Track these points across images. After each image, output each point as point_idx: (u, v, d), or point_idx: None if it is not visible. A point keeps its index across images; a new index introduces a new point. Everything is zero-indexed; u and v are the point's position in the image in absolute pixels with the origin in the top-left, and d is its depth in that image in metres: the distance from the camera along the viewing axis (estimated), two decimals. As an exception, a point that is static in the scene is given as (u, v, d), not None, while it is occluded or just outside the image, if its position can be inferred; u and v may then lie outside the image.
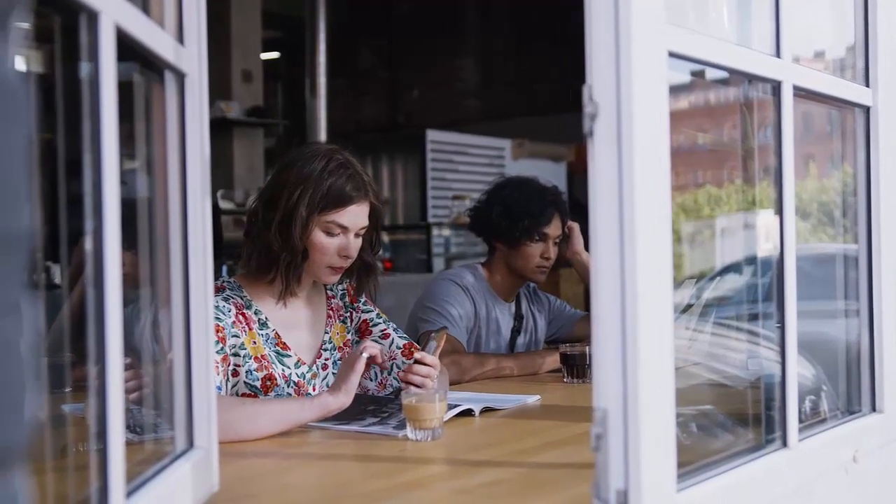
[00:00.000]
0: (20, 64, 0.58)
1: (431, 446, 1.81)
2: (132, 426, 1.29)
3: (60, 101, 1.01)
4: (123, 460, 0.98)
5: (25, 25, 0.61)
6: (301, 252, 2.15)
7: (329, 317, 2.34)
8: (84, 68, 0.95)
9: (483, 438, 1.97)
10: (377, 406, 2.15)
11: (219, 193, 6.77)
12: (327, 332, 2.32)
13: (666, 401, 1.18)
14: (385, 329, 2.36)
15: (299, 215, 2.12)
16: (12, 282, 0.52)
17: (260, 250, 2.17)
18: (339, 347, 2.33)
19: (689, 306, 1.94)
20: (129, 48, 1.07)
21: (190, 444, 1.33)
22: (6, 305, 0.51)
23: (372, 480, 1.61)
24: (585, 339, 2.91)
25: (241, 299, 2.19)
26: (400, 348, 2.33)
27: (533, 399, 2.32)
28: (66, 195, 1.00)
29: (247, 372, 2.13)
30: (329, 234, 2.16)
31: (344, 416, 2.01)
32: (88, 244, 0.95)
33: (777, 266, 1.49)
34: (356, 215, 2.18)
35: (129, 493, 1.05)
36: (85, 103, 0.95)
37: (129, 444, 1.04)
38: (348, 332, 2.36)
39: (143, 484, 1.13)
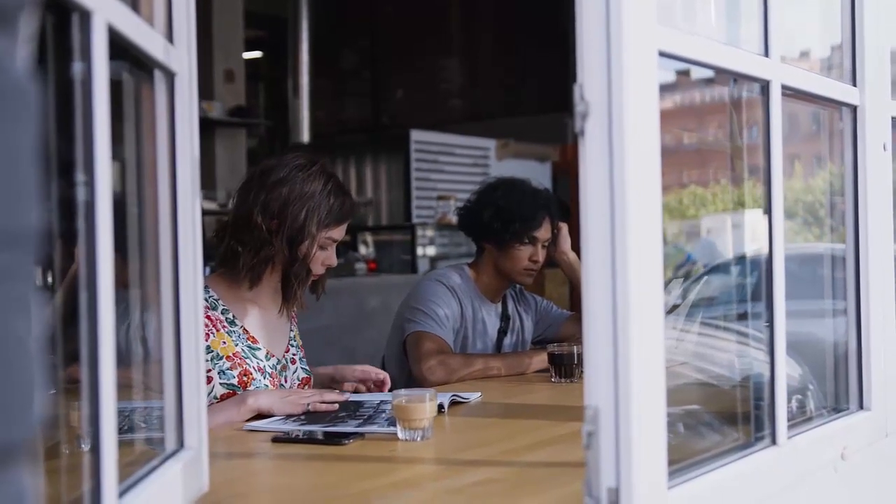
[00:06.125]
0: (28, 64, 0.58)
1: (421, 446, 1.81)
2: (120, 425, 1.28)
3: (50, 100, 1.00)
4: (116, 462, 0.98)
5: (34, 25, 0.61)
6: (308, 268, 2.23)
7: (293, 317, 2.42)
8: (76, 67, 0.94)
9: (472, 438, 1.97)
10: (356, 407, 2.15)
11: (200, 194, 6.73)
12: (292, 330, 2.41)
13: (657, 399, 1.18)
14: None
15: (310, 234, 2.20)
16: (23, 279, 0.52)
17: (265, 261, 2.21)
18: (301, 346, 2.42)
19: (675, 306, 1.95)
20: (117, 46, 1.06)
21: (180, 444, 1.32)
22: (17, 303, 0.51)
23: (362, 480, 1.60)
24: (572, 339, 2.92)
25: (206, 301, 2.20)
26: (298, 381, 2.38)
27: (475, 396, 2.33)
28: (55, 196, 0.99)
29: (220, 373, 2.16)
30: (323, 248, 2.25)
31: (331, 420, 2.01)
32: (81, 246, 0.94)
33: (766, 265, 1.49)
34: (345, 229, 2.30)
35: (121, 494, 1.04)
36: (77, 103, 0.94)
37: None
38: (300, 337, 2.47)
39: (135, 484, 1.12)
